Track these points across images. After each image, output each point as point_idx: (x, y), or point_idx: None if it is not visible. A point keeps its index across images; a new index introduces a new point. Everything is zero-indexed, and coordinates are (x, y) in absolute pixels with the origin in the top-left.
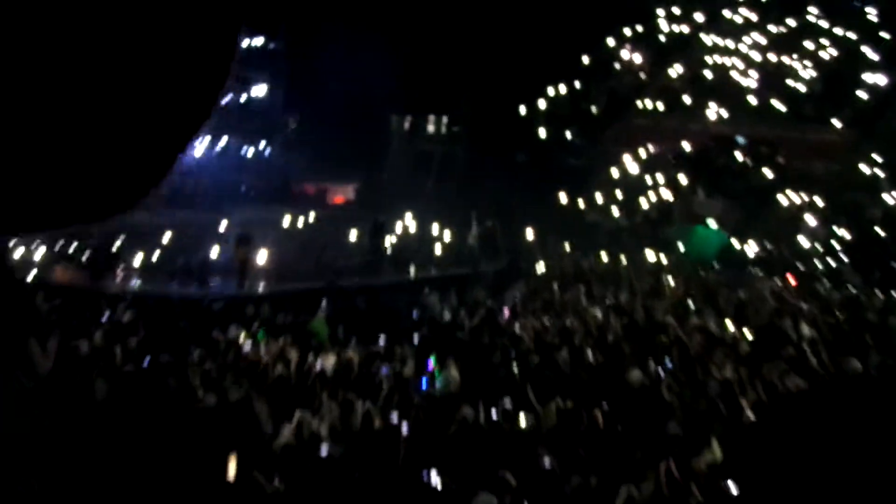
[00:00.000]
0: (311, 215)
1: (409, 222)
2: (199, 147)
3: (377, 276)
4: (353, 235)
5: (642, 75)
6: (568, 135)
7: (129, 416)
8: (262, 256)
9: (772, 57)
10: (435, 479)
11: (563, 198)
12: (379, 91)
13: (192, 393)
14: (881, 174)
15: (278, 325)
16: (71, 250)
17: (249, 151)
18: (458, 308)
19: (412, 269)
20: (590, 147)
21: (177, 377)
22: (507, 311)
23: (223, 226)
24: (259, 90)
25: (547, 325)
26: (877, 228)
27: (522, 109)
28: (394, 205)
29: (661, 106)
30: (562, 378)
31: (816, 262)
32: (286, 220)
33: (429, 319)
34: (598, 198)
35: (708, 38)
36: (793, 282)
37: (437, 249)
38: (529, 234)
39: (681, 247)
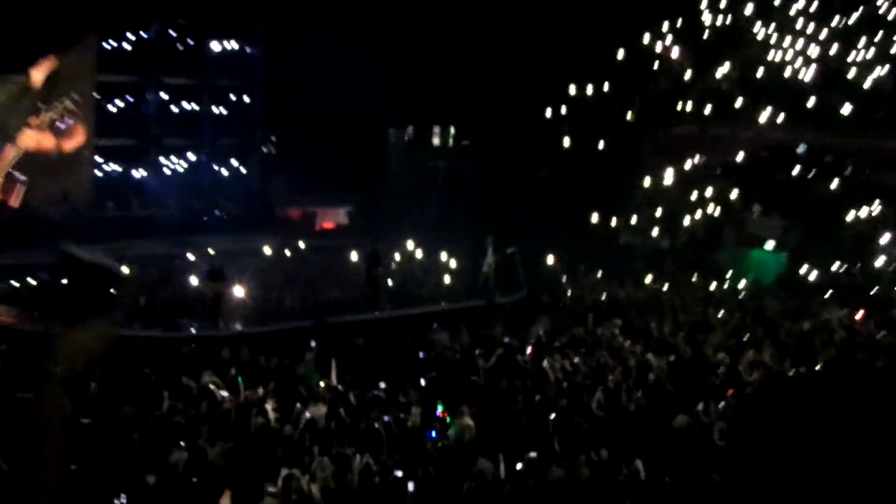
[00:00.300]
0: (298, 244)
1: (411, 249)
2: (164, 166)
3: (376, 311)
4: (346, 266)
5: (684, 76)
6: (598, 145)
7: (87, 477)
8: (239, 291)
9: (834, 52)
10: None
11: (593, 218)
12: (374, 100)
13: (160, 450)
14: None
15: (259, 370)
16: (14, 288)
17: (223, 171)
18: (472, 346)
19: (416, 303)
20: (624, 159)
21: (142, 431)
22: (529, 350)
23: (193, 257)
24: (233, 101)
25: (577, 364)
26: None
27: (544, 115)
28: (393, 230)
29: (706, 111)
30: (595, 425)
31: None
32: (267, 250)
33: (437, 360)
34: (635, 217)
35: (760, 32)
36: (859, 315)
37: (446, 279)
38: (554, 260)
39: (733, 273)
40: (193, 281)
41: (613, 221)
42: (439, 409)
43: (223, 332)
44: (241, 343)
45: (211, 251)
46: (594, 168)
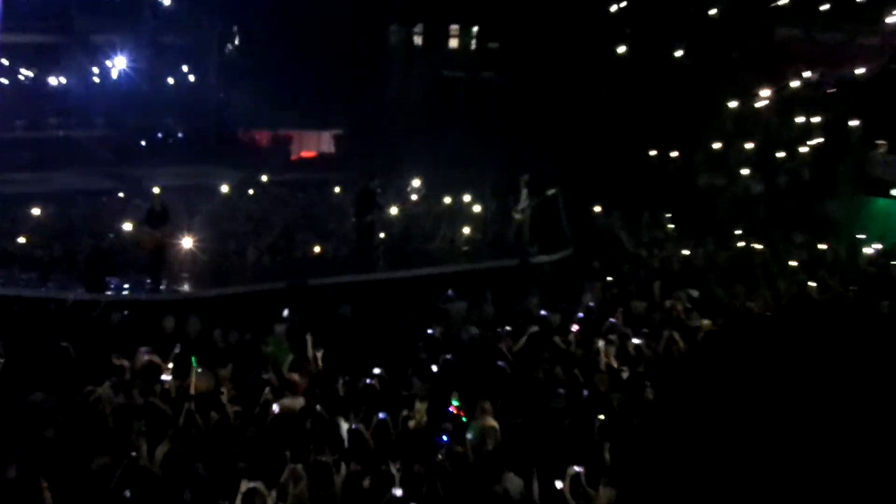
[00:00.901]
0: (266, 178)
1: (418, 189)
2: (90, 72)
3: (370, 271)
4: (331, 210)
5: None
6: (671, 53)
7: None
8: (187, 241)
9: None
10: None
11: (662, 152)
12: None
13: (82, 449)
14: None
15: (214, 348)
16: None
17: (169, 79)
18: (497, 321)
19: (425, 262)
20: (705, 73)
21: (57, 425)
22: (574, 328)
23: (127, 195)
24: None
25: (638, 347)
26: None
27: (598, 11)
28: (394, 162)
29: (818, 7)
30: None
31: None
32: (225, 187)
33: (451, 338)
34: (719, 152)
35: None
36: None
37: (464, 230)
38: (608, 207)
39: (849, 228)
40: (127, 227)
41: (689, 157)
42: (453, 404)
43: (166, 295)
44: (189, 311)
45: (156, 190)
46: (664, 84)
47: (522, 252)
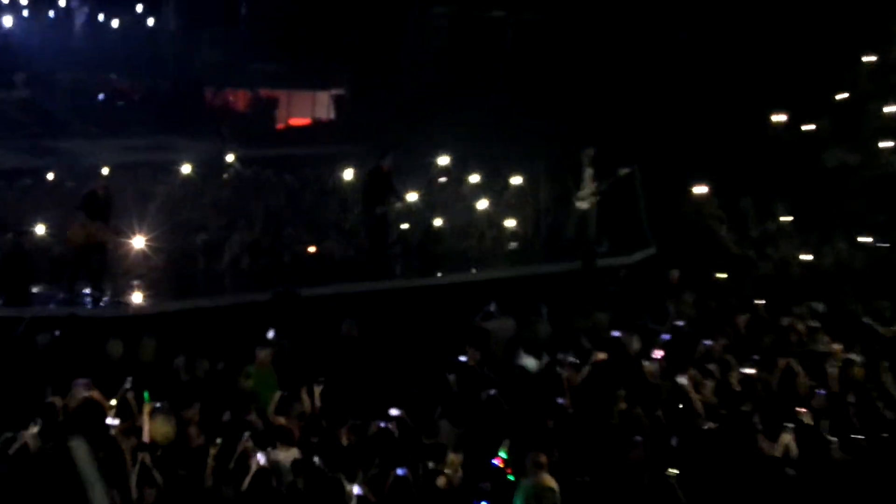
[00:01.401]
0: (242, 153)
1: (446, 168)
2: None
3: (383, 277)
4: (331, 196)
5: None
6: None
7: None
8: (138, 239)
9: None
10: None
11: (772, 118)
12: None
13: None
14: None
15: (177, 381)
16: None
17: (114, 22)
18: (555, 343)
19: (456, 266)
20: (831, 11)
21: None
22: (657, 353)
23: (56, 176)
24: None
25: (746, 378)
26: None
27: None
28: (416, 132)
29: None
30: (778, 489)
31: None
32: (187, 167)
33: (493, 367)
34: (850, 119)
35: None
36: None
37: (508, 224)
38: (703, 191)
39: None
40: (56, 219)
41: (811, 125)
42: (498, 456)
43: (111, 310)
44: (142, 330)
45: (104, 171)
46: (774, 26)
47: (587, 252)
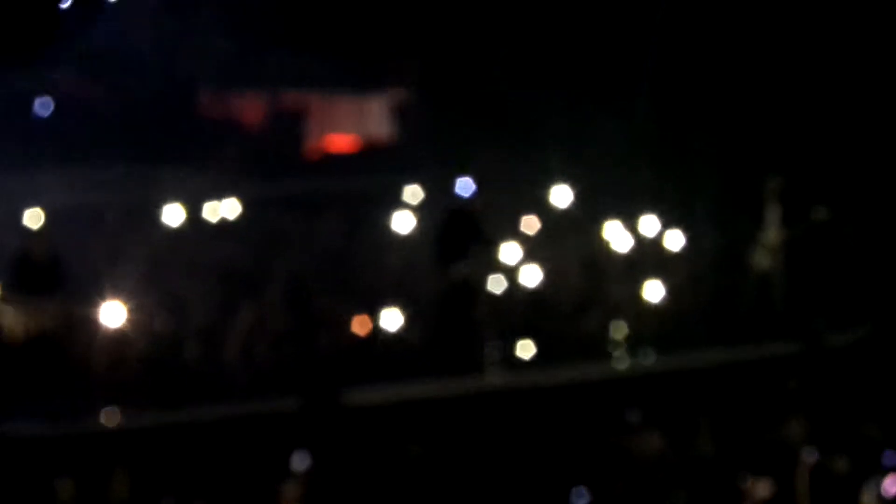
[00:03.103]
0: (253, 190)
1: (561, 200)
2: None
3: (467, 372)
4: (388, 247)
5: None
6: None
7: None
8: (108, 311)
9: None
10: None
11: None
12: None
13: None
14: None
15: None
16: None
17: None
18: (722, 465)
19: (573, 354)
20: None
21: None
22: (889, 482)
23: None
24: None
25: None
26: None
27: None
28: (518, 153)
29: None
30: None
31: None
32: (176, 207)
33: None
34: None
35: None
36: None
37: (650, 292)
38: None
39: None
40: None
41: None
42: None
43: (61, 427)
44: (112, 458)
45: (35, 214)
46: None
47: (811, 327)
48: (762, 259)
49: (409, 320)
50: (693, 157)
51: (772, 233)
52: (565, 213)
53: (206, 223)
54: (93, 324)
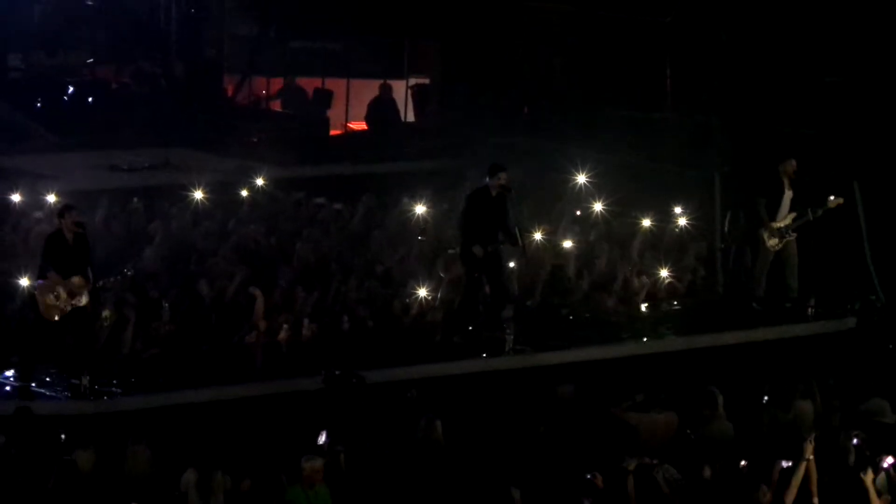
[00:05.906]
0: (278, 172)
1: (585, 191)
2: None
3: (487, 353)
4: (411, 230)
5: None
6: None
7: None
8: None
9: None
10: None
11: None
12: None
13: None
14: None
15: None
16: None
17: None
18: (743, 447)
19: (591, 335)
20: None
21: None
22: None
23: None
24: None
25: None
26: None
27: None
28: (541, 139)
29: None
30: None
31: None
32: (200, 192)
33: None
34: None
35: None
36: None
37: (664, 275)
38: None
39: None
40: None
41: None
42: None
43: (92, 405)
44: (134, 433)
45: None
46: None
47: (865, 305)
48: (772, 241)
49: (430, 301)
50: (705, 140)
51: (784, 215)
52: (588, 197)
53: (231, 205)
54: (120, 303)
